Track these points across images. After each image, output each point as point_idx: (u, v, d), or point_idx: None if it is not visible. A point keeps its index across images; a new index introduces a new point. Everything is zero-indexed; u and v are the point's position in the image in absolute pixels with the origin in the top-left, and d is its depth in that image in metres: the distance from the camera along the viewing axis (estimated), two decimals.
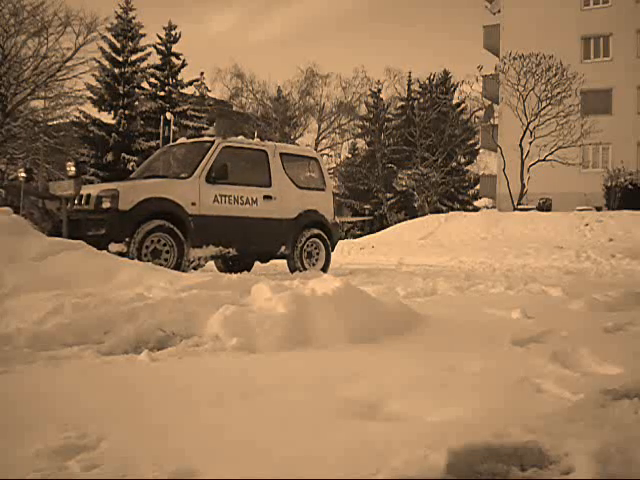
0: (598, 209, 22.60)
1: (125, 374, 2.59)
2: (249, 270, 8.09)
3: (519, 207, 22.89)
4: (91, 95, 35.99)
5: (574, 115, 23.59)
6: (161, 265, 6.56)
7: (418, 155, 39.20)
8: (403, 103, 45.55)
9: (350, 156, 47.05)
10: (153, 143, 34.04)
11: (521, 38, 28.17)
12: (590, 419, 1.91)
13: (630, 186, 22.71)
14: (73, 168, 6.65)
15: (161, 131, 30.23)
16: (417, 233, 20.00)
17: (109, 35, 36.10)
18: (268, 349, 3.00)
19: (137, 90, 37.64)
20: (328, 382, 2.42)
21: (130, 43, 36.95)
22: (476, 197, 40.19)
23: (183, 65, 39.24)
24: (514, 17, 31.06)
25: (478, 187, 41.56)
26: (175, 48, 38.93)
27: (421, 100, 44.21)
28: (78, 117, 35.82)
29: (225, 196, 7.52)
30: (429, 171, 35.21)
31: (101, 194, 6.76)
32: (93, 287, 3.85)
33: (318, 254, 8.69)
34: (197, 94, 42.50)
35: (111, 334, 3.09)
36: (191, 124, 38.48)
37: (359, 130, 45.57)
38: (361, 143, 47.26)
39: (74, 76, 32.57)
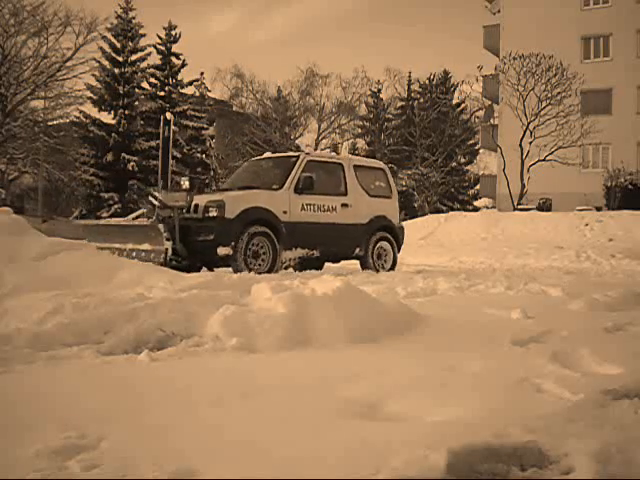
0: (598, 209, 22.59)
1: (125, 374, 2.59)
2: (320, 269, 8.85)
3: (519, 207, 22.89)
4: (91, 95, 35.98)
5: (574, 115, 23.59)
6: (260, 265, 7.77)
7: (418, 155, 39.20)
8: (403, 103, 45.54)
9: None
10: (153, 143, 34.03)
11: (521, 38, 28.16)
12: (590, 419, 1.91)
13: (630, 186, 22.70)
14: (187, 183, 8.22)
15: (161, 131, 30.19)
16: (417, 233, 20.01)
17: (109, 35, 36.09)
18: (268, 349, 3.00)
19: (137, 90, 37.63)
20: (328, 382, 2.42)
21: (130, 43, 36.94)
22: (476, 197, 40.18)
23: (183, 65, 39.23)
24: (514, 17, 31.05)
25: (478, 187, 41.55)
26: (175, 48, 38.92)
27: (421, 100, 44.21)
28: (78, 117, 35.81)
29: (310, 205, 8.45)
30: (429, 171, 35.22)
31: (209, 204, 7.62)
32: (93, 287, 3.85)
33: (386, 255, 9.50)
34: (197, 94, 42.48)
35: (111, 334, 3.09)
36: (191, 124, 38.49)
37: (359, 130, 45.56)
38: (361, 143, 47.24)
39: (74, 76, 32.56)
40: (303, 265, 8.49)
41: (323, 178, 8.69)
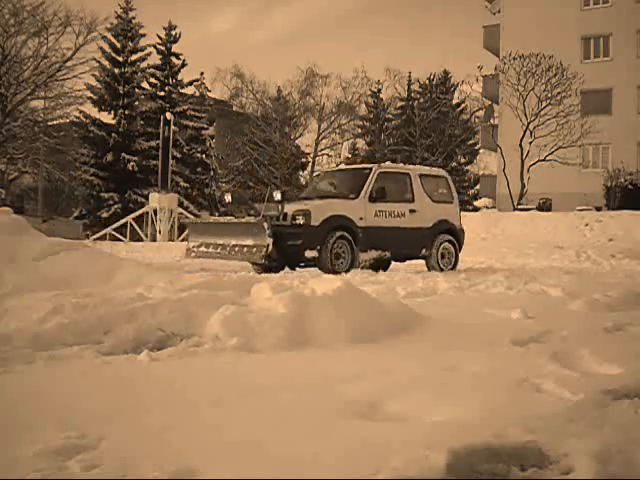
0: (598, 209, 22.60)
1: (125, 374, 2.59)
2: (386, 269, 9.48)
3: (519, 207, 22.90)
4: (91, 95, 35.99)
5: (574, 115, 23.61)
6: (340, 265, 8.67)
7: (418, 155, 39.20)
8: (403, 103, 45.53)
9: (350, 156, 47.02)
10: (153, 143, 34.03)
11: (521, 38, 28.16)
12: (590, 419, 1.91)
13: (630, 186, 22.71)
14: (279, 195, 8.71)
15: (161, 131, 30.21)
16: None
17: (109, 35, 36.11)
18: (268, 349, 3.00)
19: (137, 90, 37.64)
20: (328, 382, 2.42)
21: (130, 43, 36.95)
22: (476, 197, 40.17)
23: (183, 65, 39.23)
24: (514, 17, 31.05)
25: (478, 187, 41.56)
26: (175, 48, 38.93)
27: (421, 100, 44.21)
28: (78, 117, 35.81)
29: (382, 211, 9.38)
30: None
31: (296, 213, 8.60)
32: (93, 287, 3.85)
33: (449, 255, 10.27)
34: (197, 94, 42.47)
35: (111, 334, 3.09)
36: (191, 124, 38.49)
37: (359, 130, 45.54)
38: (361, 143, 47.24)
39: (74, 76, 32.59)
40: (375, 265, 9.29)
41: (393, 187, 9.63)
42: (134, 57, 37.30)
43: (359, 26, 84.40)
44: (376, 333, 3.36)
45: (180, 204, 29.43)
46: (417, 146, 39.72)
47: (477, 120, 39.11)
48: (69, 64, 31.84)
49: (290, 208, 8.72)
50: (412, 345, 3.26)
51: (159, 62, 38.61)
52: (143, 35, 37.40)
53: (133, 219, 27.57)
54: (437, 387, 2.35)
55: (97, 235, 26.81)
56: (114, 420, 1.92)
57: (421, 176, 10.19)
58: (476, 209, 30.20)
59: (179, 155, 36.29)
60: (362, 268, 8.96)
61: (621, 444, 1.66)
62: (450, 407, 2.07)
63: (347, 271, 8.43)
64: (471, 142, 42.38)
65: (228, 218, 9.59)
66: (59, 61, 31.58)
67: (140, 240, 26.01)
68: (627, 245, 15.78)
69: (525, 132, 23.46)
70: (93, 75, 35.60)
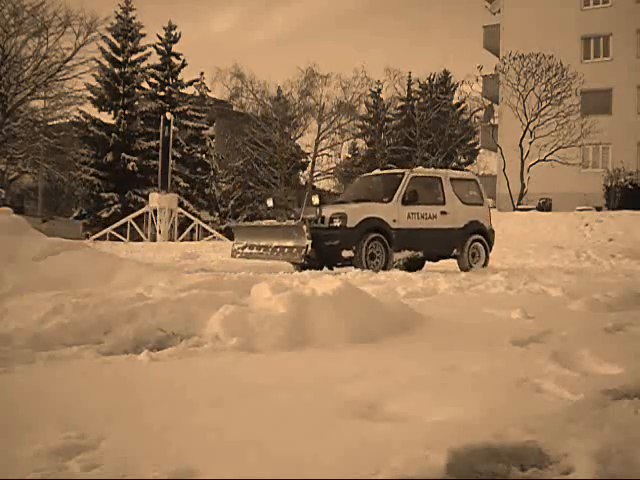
0: (598, 209, 22.61)
1: (125, 374, 2.59)
2: (421, 269, 10.17)
3: (519, 207, 22.90)
4: (91, 95, 36.00)
5: (574, 115, 23.61)
6: (375, 264, 9.24)
7: (418, 155, 39.20)
8: (403, 103, 45.52)
9: (350, 156, 47.02)
10: (153, 143, 34.03)
11: (521, 38, 28.16)
12: (590, 419, 1.91)
13: (630, 186, 22.71)
14: (317, 199, 9.28)
15: (161, 131, 30.22)
16: None
17: (109, 35, 36.11)
18: (268, 349, 3.00)
19: (137, 90, 37.65)
20: (328, 382, 2.42)
21: (130, 43, 36.95)
22: None
23: (183, 65, 39.23)
24: (514, 17, 31.05)
25: None
26: (175, 48, 38.94)
27: (421, 100, 44.21)
28: (78, 117, 35.82)
29: (415, 213, 9.88)
30: None
31: (333, 216, 9.18)
32: (93, 287, 3.85)
33: (480, 254, 10.79)
34: (197, 94, 42.47)
35: (111, 334, 3.09)
36: (191, 124, 38.49)
37: (359, 130, 45.53)
38: (361, 143, 47.24)
39: (74, 76, 32.59)
40: (408, 264, 9.89)
41: (425, 190, 10.17)
42: (134, 57, 37.30)
43: (359, 26, 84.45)
44: (376, 333, 3.36)
45: (180, 204, 29.43)
46: (417, 146, 39.71)
47: (477, 120, 39.11)
48: (69, 64, 31.85)
49: (328, 211, 9.32)
50: (412, 345, 3.26)
51: (159, 62, 38.61)
52: (143, 35, 37.41)
53: (133, 219, 27.57)
54: (437, 387, 2.35)
55: (97, 235, 26.81)
56: (114, 420, 1.92)
57: (452, 180, 10.68)
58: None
59: (179, 155, 36.29)
60: (396, 267, 9.49)
61: (621, 444, 1.66)
62: (450, 407, 2.07)
63: (383, 269, 9.08)
64: (471, 142, 42.37)
65: (270, 221, 10.12)
66: (59, 61, 31.59)
67: (140, 240, 26.01)
68: (627, 245, 15.78)
69: (525, 132, 23.46)
70: (93, 75, 35.61)
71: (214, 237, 27.78)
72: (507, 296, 5.79)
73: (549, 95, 23.41)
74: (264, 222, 10.40)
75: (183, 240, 27.14)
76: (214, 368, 2.71)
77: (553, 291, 5.90)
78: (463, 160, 44.15)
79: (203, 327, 3.23)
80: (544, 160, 22.90)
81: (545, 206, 23.88)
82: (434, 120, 38.85)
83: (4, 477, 1.52)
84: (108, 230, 26.94)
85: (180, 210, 28.57)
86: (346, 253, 9.03)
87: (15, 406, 2.13)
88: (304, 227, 8.75)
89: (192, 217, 28.83)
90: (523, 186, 23.42)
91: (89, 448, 1.69)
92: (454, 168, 40.13)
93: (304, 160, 44.72)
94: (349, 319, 3.32)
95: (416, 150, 39.63)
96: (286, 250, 8.96)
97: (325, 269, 9.23)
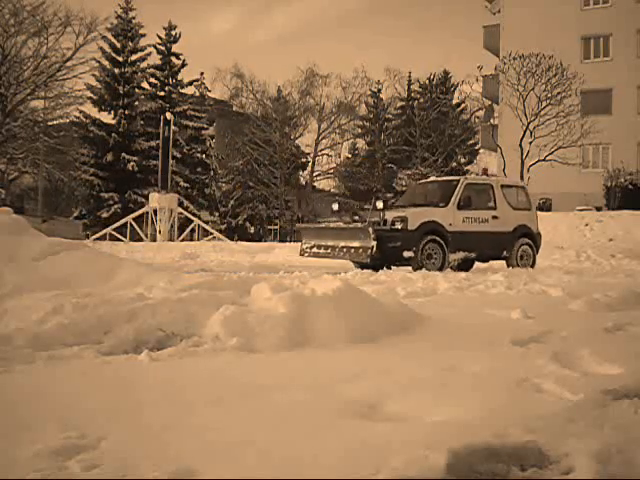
0: (598, 209, 22.61)
1: (125, 374, 2.59)
2: (468, 270, 10.62)
3: None
4: (91, 95, 35.99)
5: (574, 115, 23.59)
6: (433, 265, 9.89)
7: (418, 155, 39.21)
8: (403, 103, 45.51)
9: (350, 156, 47.02)
10: (153, 143, 34.03)
11: (521, 38, 28.16)
12: (590, 419, 1.91)
13: (630, 186, 22.72)
14: (381, 204, 10.00)
15: (161, 131, 30.21)
16: None
17: (109, 35, 36.11)
18: (268, 349, 3.00)
19: (137, 90, 37.65)
20: (328, 382, 2.42)
21: (130, 43, 36.95)
22: None
23: (183, 65, 39.23)
24: (514, 17, 31.05)
25: None
26: (175, 48, 38.94)
27: (421, 100, 44.19)
28: (78, 117, 35.82)
29: (468, 217, 10.62)
30: (429, 171, 35.19)
31: (395, 219, 9.91)
32: (93, 287, 3.85)
33: (528, 256, 11.45)
34: (197, 94, 42.47)
35: (111, 334, 3.09)
36: (191, 124, 38.49)
37: (359, 130, 45.52)
38: (361, 143, 47.22)
39: (74, 76, 32.59)
40: (461, 265, 10.59)
41: (477, 196, 10.93)
42: (134, 57, 37.30)
43: (359, 26, 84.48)
44: (376, 333, 3.36)
45: (180, 204, 29.43)
46: (417, 146, 39.71)
47: (477, 120, 39.10)
48: (69, 64, 31.86)
49: (390, 215, 10.04)
50: (412, 345, 3.26)
51: (159, 62, 38.61)
52: (143, 35, 37.41)
53: (133, 219, 27.57)
54: (437, 387, 2.35)
55: (97, 235, 26.82)
56: (114, 420, 1.92)
57: (502, 186, 11.50)
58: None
59: (179, 155, 36.28)
60: (451, 268, 10.21)
61: (621, 444, 1.66)
62: (450, 407, 2.07)
63: (439, 269, 9.77)
64: (471, 142, 42.36)
65: (338, 224, 10.75)
66: (59, 61, 31.59)
67: (140, 240, 26.01)
68: (627, 245, 15.79)
69: (525, 132, 23.45)
70: (93, 75, 35.61)
71: (214, 237, 27.79)
72: (507, 296, 5.78)
73: (549, 95, 23.39)
74: (332, 224, 11.01)
75: (183, 240, 27.14)
76: (214, 368, 2.71)
77: (553, 291, 5.90)
78: (463, 160, 44.13)
79: (203, 327, 3.23)
80: (544, 160, 22.88)
81: (545, 206, 23.88)
82: (434, 120, 38.85)
83: (4, 477, 1.52)
84: (108, 230, 26.94)
85: (180, 210, 28.57)
86: (407, 253, 9.75)
87: (15, 406, 2.13)
88: (370, 229, 9.48)
89: (192, 217, 28.84)
90: None
91: (89, 448, 1.69)
92: (454, 168, 40.21)
93: (304, 160, 44.73)
94: (349, 319, 3.32)
95: (416, 150, 39.64)
96: (352, 250, 9.73)
97: (357, 269, 9.91)
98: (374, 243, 9.38)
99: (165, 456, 1.63)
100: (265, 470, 1.55)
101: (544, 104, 23.36)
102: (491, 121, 33.09)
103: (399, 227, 9.83)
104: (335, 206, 11.64)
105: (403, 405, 2.11)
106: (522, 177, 23.33)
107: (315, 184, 45.77)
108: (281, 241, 35.55)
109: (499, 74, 25.95)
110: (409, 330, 3.56)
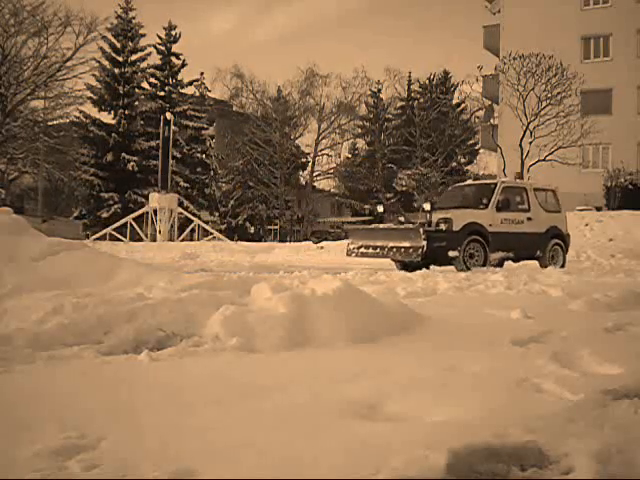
0: (598, 209, 22.60)
1: (125, 374, 2.59)
2: (502, 266, 10.92)
3: None
4: (91, 95, 36.02)
5: (574, 115, 23.58)
6: (474, 263, 10.42)
7: (418, 155, 39.22)
8: (403, 103, 45.53)
9: (350, 156, 47.03)
10: (153, 143, 34.05)
11: (521, 38, 28.15)
12: (590, 419, 1.91)
13: (630, 186, 22.72)
14: (429, 206, 10.58)
15: (161, 131, 30.24)
16: None
17: (109, 35, 36.14)
18: (268, 349, 3.00)
19: (137, 90, 37.67)
20: (328, 382, 2.42)
21: (130, 43, 36.98)
22: None
23: (183, 65, 39.26)
24: (514, 17, 31.05)
25: None
26: (175, 48, 38.97)
27: (421, 100, 44.20)
28: (78, 117, 35.84)
29: (506, 219, 11.19)
30: (429, 171, 35.23)
31: (440, 220, 10.44)
32: (93, 287, 3.85)
33: (558, 256, 12.07)
34: (197, 94, 42.50)
35: (111, 334, 3.09)
36: (191, 124, 38.51)
37: (359, 130, 45.54)
38: (361, 143, 47.25)
39: (74, 76, 32.61)
40: (498, 264, 10.95)
41: (513, 199, 11.54)
42: (134, 57, 37.32)
43: (360, 26, 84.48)
44: (376, 333, 3.36)
45: (180, 204, 29.45)
46: (417, 146, 39.72)
47: (477, 120, 39.08)
48: (69, 64, 31.87)
49: (436, 216, 10.53)
50: (412, 345, 3.26)
51: (159, 62, 38.63)
52: (143, 35, 37.44)
53: (133, 219, 27.59)
54: (437, 387, 2.35)
55: (97, 235, 26.83)
56: (114, 420, 1.92)
57: (535, 189, 12.07)
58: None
59: (179, 155, 36.29)
60: (491, 266, 10.61)
61: (621, 444, 1.66)
62: (450, 407, 2.07)
63: (482, 265, 10.40)
64: (471, 142, 42.37)
65: (388, 225, 11.39)
66: (59, 61, 31.61)
67: (140, 240, 26.02)
68: (627, 245, 15.79)
69: (525, 132, 23.44)
70: (93, 75, 35.63)
71: (214, 237, 27.80)
72: (507, 296, 5.78)
73: (549, 95, 23.37)
74: (381, 225, 11.55)
75: (183, 240, 27.15)
76: (214, 368, 2.71)
77: (553, 291, 5.90)
78: (463, 160, 44.14)
79: (203, 327, 3.23)
80: (544, 160, 22.86)
81: None
82: (434, 120, 38.85)
83: (4, 477, 1.52)
84: (108, 230, 26.95)
85: (180, 210, 28.59)
86: (452, 253, 10.26)
87: (15, 406, 2.13)
88: (421, 230, 10.03)
89: (192, 217, 28.85)
90: None
91: (89, 448, 1.69)
92: (454, 168, 40.22)
93: (304, 160, 44.74)
94: (349, 319, 3.32)
95: (416, 150, 39.64)
96: (403, 250, 10.25)
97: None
98: (424, 243, 9.90)
99: (165, 456, 1.63)
100: (265, 470, 1.55)
101: (544, 104, 23.34)
102: (491, 121, 33.08)
103: (444, 228, 10.32)
104: (380, 208, 12.31)
105: (403, 405, 2.11)
106: (522, 177, 23.32)
107: (315, 184, 45.80)
108: (281, 241, 35.57)
109: (499, 74, 25.94)
110: (409, 330, 3.56)
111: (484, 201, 11.24)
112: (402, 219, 11.35)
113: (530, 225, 11.53)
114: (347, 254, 11.43)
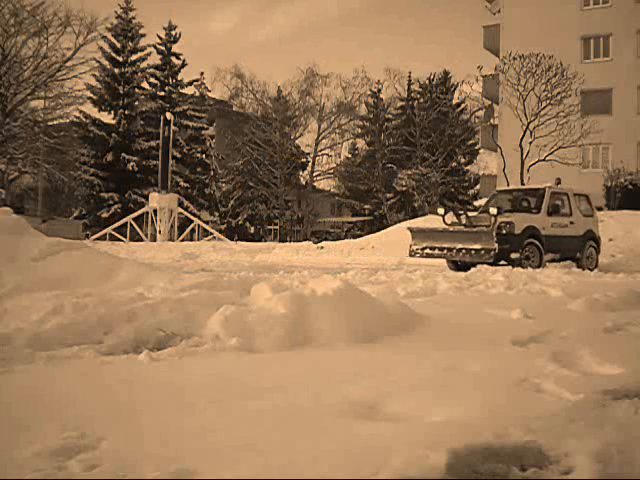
0: (598, 209, 22.51)
1: (125, 374, 2.59)
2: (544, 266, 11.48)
3: None
4: (91, 95, 36.02)
5: (574, 115, 23.55)
6: (530, 264, 10.89)
7: (418, 155, 39.22)
8: (403, 103, 45.53)
9: (350, 156, 47.02)
10: (153, 143, 34.05)
11: (521, 38, 28.14)
12: (590, 419, 1.91)
13: (630, 186, 22.71)
14: (495, 210, 10.84)
15: (161, 131, 30.25)
16: None
17: (109, 35, 36.15)
18: (268, 349, 3.00)
19: (137, 90, 37.69)
20: (328, 382, 2.42)
21: (130, 43, 36.98)
22: (476, 197, 40.20)
23: (183, 65, 39.26)
24: (514, 17, 31.04)
25: (478, 187, 41.55)
26: (175, 48, 38.97)
27: (421, 100, 44.20)
28: (78, 117, 35.84)
29: (555, 223, 11.90)
30: (429, 171, 35.22)
31: (501, 224, 10.94)
32: (93, 287, 3.85)
33: (593, 257, 12.85)
34: (197, 94, 42.50)
35: (111, 334, 3.09)
36: (191, 124, 38.51)
37: (359, 130, 45.54)
38: (361, 143, 47.26)
39: (74, 76, 32.60)
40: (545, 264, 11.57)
41: (559, 204, 12.22)
42: (134, 57, 37.32)
43: (360, 25, 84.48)
44: (376, 333, 3.36)
45: (180, 204, 29.45)
46: (417, 146, 39.71)
47: (477, 120, 39.07)
48: (69, 64, 31.87)
49: (500, 219, 10.95)
50: (412, 345, 3.26)
51: (159, 62, 38.64)
52: (143, 35, 37.44)
53: (133, 219, 27.59)
54: (437, 387, 2.35)
55: (97, 235, 26.83)
56: (114, 420, 1.92)
57: (574, 195, 12.84)
58: (476, 209, 30.14)
59: (179, 155, 36.29)
60: (545, 267, 11.08)
61: (621, 444, 1.66)
62: (450, 407, 2.07)
63: (537, 267, 10.82)
64: (471, 142, 42.38)
65: (459, 227, 11.70)
66: (59, 61, 31.60)
67: (140, 240, 26.02)
68: (627, 245, 15.79)
69: (525, 132, 23.41)
70: (93, 75, 35.63)
71: (214, 237, 27.80)
72: (507, 296, 5.78)
73: (549, 95, 23.34)
74: (451, 228, 11.91)
75: (183, 240, 27.15)
76: (214, 368, 2.71)
77: (553, 291, 5.89)
78: (463, 160, 44.15)
79: (203, 327, 3.22)
80: (544, 160, 22.84)
81: None
82: (434, 120, 38.85)
83: (4, 477, 1.52)
84: (108, 230, 26.96)
85: (180, 210, 28.59)
86: (514, 255, 10.82)
87: (15, 406, 2.13)
88: (494, 233, 10.61)
89: (192, 217, 28.86)
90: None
91: (89, 448, 1.69)
92: (454, 168, 40.24)
93: (304, 160, 44.74)
94: (349, 319, 3.32)
95: (416, 150, 39.64)
96: (473, 252, 10.85)
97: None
98: (496, 245, 10.52)
99: (165, 456, 1.63)
100: (265, 470, 1.55)
101: (544, 104, 23.31)
102: (491, 121, 33.05)
103: (505, 231, 10.84)
104: (441, 210, 12.62)
105: (403, 405, 2.11)
106: (522, 177, 23.32)
107: (315, 184, 45.80)
108: (281, 241, 35.56)
109: (499, 74, 25.92)
110: (409, 330, 3.56)
111: (536, 206, 11.97)
112: (464, 221, 11.80)
113: (572, 229, 12.26)
114: (410, 255, 11.92)
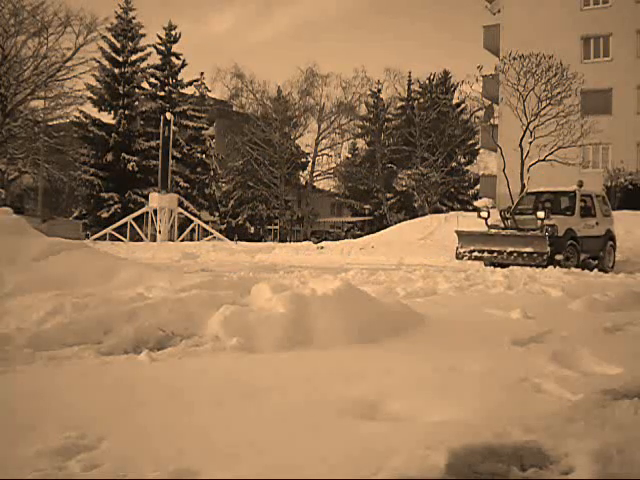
0: None
1: (125, 374, 2.59)
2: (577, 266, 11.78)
3: None
4: (91, 95, 35.99)
5: (574, 115, 23.53)
6: (569, 265, 11.07)
7: (418, 155, 39.19)
8: (403, 103, 45.49)
9: (350, 156, 47.00)
10: (153, 143, 34.03)
11: (521, 38, 28.13)
12: (590, 419, 1.91)
13: (630, 186, 22.71)
14: (542, 214, 11.26)
15: (161, 131, 30.21)
16: (417, 233, 20.01)
17: (109, 35, 36.11)
18: (268, 349, 3.00)
19: (137, 90, 37.66)
20: (328, 382, 2.42)
21: (130, 43, 36.96)
22: (476, 197, 40.17)
23: (183, 65, 39.23)
24: (514, 17, 31.03)
25: (478, 187, 41.52)
26: (175, 48, 38.93)
27: (421, 100, 44.17)
28: (78, 117, 35.81)
29: (585, 224, 12.39)
30: (429, 171, 35.20)
31: (546, 227, 11.30)
32: (93, 287, 3.85)
33: (611, 256, 13.34)
34: (197, 94, 42.46)
35: (111, 334, 3.09)
36: (191, 124, 38.48)
37: (359, 130, 45.51)
38: (361, 143, 47.21)
39: (74, 76, 32.56)
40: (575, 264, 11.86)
41: (587, 205, 12.88)
42: (134, 57, 37.29)
43: (360, 26, 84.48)
44: (376, 333, 3.36)
45: (180, 204, 29.44)
46: (417, 146, 39.69)
47: (477, 120, 39.03)
48: (69, 64, 31.83)
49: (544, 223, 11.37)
50: (412, 345, 3.26)
51: (159, 62, 38.60)
52: (143, 35, 37.40)
53: (133, 219, 27.58)
54: (437, 387, 2.35)
55: (97, 235, 26.82)
56: (114, 420, 1.92)
57: (596, 196, 13.34)
58: (476, 209, 30.13)
59: (179, 155, 36.28)
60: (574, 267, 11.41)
61: (621, 444, 1.66)
62: (450, 407, 2.07)
63: (576, 267, 11.05)
64: (471, 142, 42.35)
65: (512, 231, 11.92)
66: (59, 61, 31.57)
67: (140, 240, 26.01)
68: (627, 245, 15.79)
69: (525, 132, 23.39)
70: (93, 75, 35.60)
71: (214, 237, 27.79)
72: (507, 296, 5.78)
73: (549, 95, 23.32)
74: (503, 232, 12.12)
75: (183, 240, 27.14)
76: (214, 368, 2.71)
77: (553, 291, 5.89)
78: (463, 160, 44.13)
79: (203, 327, 3.22)
80: (544, 160, 22.82)
81: None
82: (434, 120, 38.82)
83: (5, 477, 1.52)
84: (108, 230, 26.95)
85: (180, 210, 28.58)
86: (558, 256, 11.16)
87: (15, 406, 2.13)
88: (547, 237, 10.95)
89: (192, 217, 28.85)
90: (523, 186, 23.32)
91: (89, 448, 1.69)
92: (454, 168, 40.23)
93: (304, 160, 44.72)
94: (349, 319, 3.32)
95: (416, 150, 39.62)
96: (525, 255, 11.16)
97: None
98: (549, 249, 10.88)
99: (165, 456, 1.63)
100: (265, 470, 1.55)
101: (544, 104, 23.30)
102: (491, 121, 33.02)
103: (551, 233, 11.19)
104: (484, 213, 13.02)
105: (403, 405, 2.11)
106: (522, 177, 23.32)
107: (315, 184, 45.78)
108: (281, 241, 35.56)
109: (499, 74, 25.90)
110: (409, 330, 3.56)
111: (570, 208, 12.44)
112: (511, 223, 12.10)
113: (597, 229, 12.73)
114: (457, 257, 12.19)
